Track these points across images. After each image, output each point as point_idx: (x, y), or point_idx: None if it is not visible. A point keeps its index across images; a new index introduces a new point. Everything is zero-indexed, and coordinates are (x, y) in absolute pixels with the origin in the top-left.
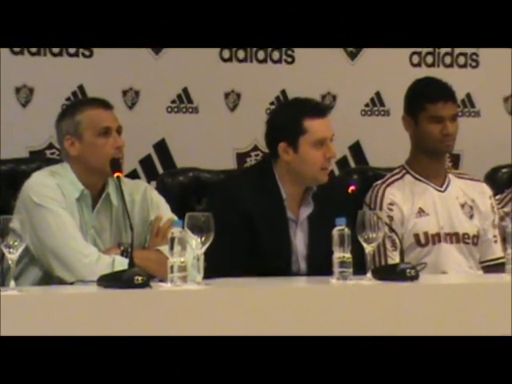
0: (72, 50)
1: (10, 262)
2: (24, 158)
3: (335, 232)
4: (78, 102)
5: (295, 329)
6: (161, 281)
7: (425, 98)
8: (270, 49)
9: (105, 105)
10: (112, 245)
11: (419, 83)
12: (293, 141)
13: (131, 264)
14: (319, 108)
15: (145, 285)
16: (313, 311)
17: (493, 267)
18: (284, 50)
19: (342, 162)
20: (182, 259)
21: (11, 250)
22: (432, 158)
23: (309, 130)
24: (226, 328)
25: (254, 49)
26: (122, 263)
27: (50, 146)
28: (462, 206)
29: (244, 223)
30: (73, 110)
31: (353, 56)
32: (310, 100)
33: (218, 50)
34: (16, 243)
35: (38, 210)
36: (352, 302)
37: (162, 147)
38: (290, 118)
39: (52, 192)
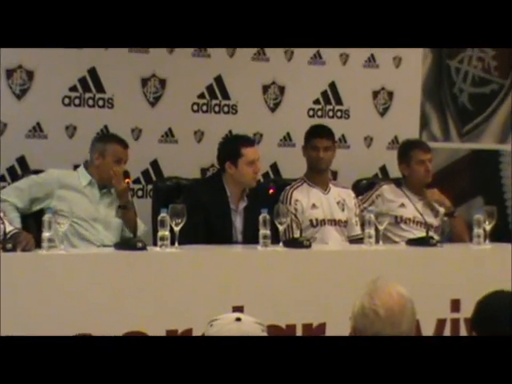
0: None
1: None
2: None
3: (261, 217)
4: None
5: (237, 275)
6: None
7: (310, 135)
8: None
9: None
10: None
11: (311, 127)
12: (234, 161)
13: (135, 236)
14: (250, 141)
15: (143, 248)
16: (246, 263)
17: (354, 240)
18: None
19: (266, 175)
20: (166, 233)
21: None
22: (317, 173)
23: (244, 155)
24: (192, 273)
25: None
26: None
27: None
28: (338, 203)
29: (203, 211)
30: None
31: (273, 109)
32: (245, 135)
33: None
34: None
35: None
36: (269, 261)
37: (155, 164)
38: (232, 146)
39: None
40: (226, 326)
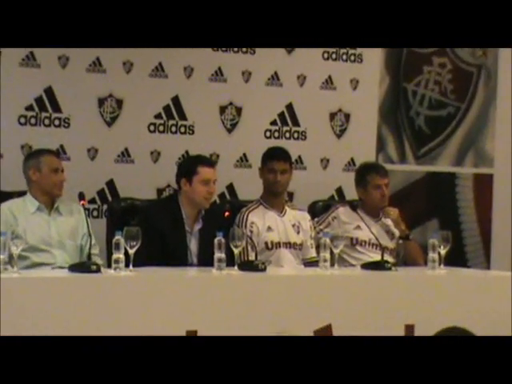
0: None
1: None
2: None
3: (216, 241)
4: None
5: (192, 298)
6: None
7: (267, 157)
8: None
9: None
10: None
11: (268, 150)
12: (189, 178)
13: (89, 259)
14: (209, 161)
15: (97, 271)
16: (200, 287)
17: (309, 263)
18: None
19: (222, 195)
20: (120, 255)
21: None
22: (274, 196)
23: (199, 173)
24: (146, 296)
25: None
26: None
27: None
28: (293, 225)
29: (158, 234)
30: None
31: (230, 130)
32: (207, 157)
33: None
34: None
35: None
36: (224, 285)
37: (111, 184)
38: (189, 164)
39: None
40: None
